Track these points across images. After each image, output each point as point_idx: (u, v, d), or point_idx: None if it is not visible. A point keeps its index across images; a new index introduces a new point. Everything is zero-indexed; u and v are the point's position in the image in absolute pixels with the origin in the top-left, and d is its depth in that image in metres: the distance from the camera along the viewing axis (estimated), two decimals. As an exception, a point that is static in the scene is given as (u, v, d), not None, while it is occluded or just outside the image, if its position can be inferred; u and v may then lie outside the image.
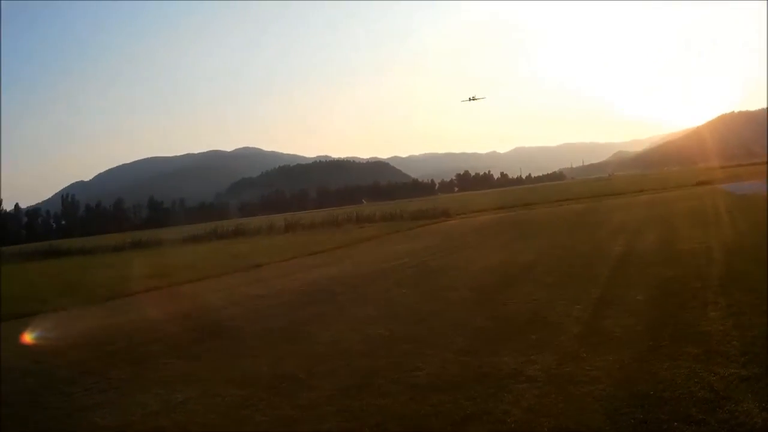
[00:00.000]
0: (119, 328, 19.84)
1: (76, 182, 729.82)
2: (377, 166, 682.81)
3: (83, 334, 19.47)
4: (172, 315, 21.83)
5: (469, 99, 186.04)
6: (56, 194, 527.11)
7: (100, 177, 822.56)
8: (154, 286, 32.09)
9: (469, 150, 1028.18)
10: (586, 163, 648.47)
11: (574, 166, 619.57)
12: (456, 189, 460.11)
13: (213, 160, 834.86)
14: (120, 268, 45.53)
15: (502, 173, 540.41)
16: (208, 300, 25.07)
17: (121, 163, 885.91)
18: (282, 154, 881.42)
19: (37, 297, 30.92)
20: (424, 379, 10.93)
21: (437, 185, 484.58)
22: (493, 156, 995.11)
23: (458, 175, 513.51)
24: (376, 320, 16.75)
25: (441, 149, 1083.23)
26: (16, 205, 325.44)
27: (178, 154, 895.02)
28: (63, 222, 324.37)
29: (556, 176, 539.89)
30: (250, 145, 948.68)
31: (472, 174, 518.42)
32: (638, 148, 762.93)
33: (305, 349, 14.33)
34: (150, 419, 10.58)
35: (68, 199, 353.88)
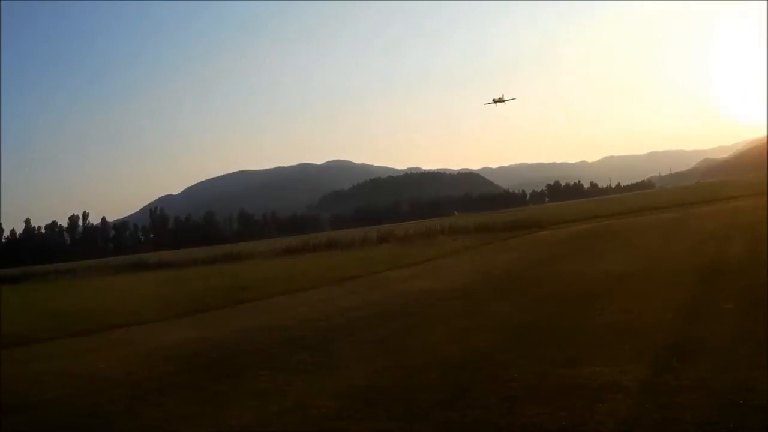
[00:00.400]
0: (212, 341, 19.99)
1: (165, 196, 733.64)
2: (468, 177, 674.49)
3: (175, 346, 19.64)
4: (266, 327, 21.96)
5: (494, 101, 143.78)
6: (144, 208, 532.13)
7: (189, 190, 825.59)
8: (248, 298, 32.30)
9: (558, 160, 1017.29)
10: (673, 171, 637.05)
11: (662, 174, 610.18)
12: (547, 199, 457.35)
13: (303, 173, 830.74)
14: (212, 281, 46.07)
15: (592, 183, 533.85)
16: (302, 312, 25.12)
17: (210, 177, 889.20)
18: (372, 166, 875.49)
19: (127, 309, 31.37)
20: (520, 390, 10.95)
21: (528, 196, 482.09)
22: (582, 165, 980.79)
23: (549, 186, 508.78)
24: (471, 331, 16.79)
25: (531, 159, 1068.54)
26: (103, 219, 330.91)
27: (268, 167, 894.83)
28: (151, 235, 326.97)
29: (645, 185, 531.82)
30: (340, 158, 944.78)
31: (563, 184, 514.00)
32: (724, 154, 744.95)
33: (401, 360, 14.33)
34: (245, 430, 10.69)
35: (156, 212, 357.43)
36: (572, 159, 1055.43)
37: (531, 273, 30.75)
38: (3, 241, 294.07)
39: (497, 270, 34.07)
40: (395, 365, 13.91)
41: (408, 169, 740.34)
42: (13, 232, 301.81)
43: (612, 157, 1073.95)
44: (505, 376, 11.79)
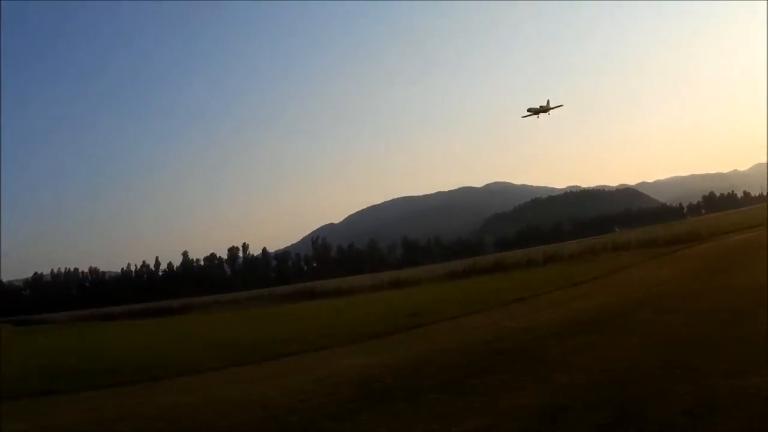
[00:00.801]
0: (386, 366, 20.24)
1: (326, 225, 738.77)
2: (626, 192, 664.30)
3: (349, 372, 20.01)
4: (440, 351, 22.21)
5: (533, 112, 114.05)
6: (305, 237, 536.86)
7: (350, 219, 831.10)
8: (419, 323, 32.71)
9: (711, 170, 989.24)
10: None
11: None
12: (703, 211, 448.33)
13: (464, 197, 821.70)
14: (381, 307, 46.93)
15: (744, 192, 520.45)
16: (474, 335, 25.36)
17: (370, 204, 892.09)
18: (532, 186, 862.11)
19: (296, 337, 32.12)
20: (695, 403, 11.07)
21: (685, 208, 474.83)
22: (735, 175, 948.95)
23: (704, 197, 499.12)
24: (644, 347, 16.96)
25: (685, 171, 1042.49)
26: (264, 249, 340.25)
27: (429, 192, 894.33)
28: (314, 264, 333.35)
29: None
30: (500, 180, 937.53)
31: (717, 194, 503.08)
32: None
33: (577, 379, 14.50)
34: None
35: (318, 241, 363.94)
36: (724, 168, 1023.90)
37: (696, 286, 30.81)
38: (160, 273, 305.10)
39: (663, 285, 34.03)
40: (572, 384, 14.08)
41: (567, 187, 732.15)
42: (170, 264, 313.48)
43: (760, 164, 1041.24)
44: (680, 390, 11.91)
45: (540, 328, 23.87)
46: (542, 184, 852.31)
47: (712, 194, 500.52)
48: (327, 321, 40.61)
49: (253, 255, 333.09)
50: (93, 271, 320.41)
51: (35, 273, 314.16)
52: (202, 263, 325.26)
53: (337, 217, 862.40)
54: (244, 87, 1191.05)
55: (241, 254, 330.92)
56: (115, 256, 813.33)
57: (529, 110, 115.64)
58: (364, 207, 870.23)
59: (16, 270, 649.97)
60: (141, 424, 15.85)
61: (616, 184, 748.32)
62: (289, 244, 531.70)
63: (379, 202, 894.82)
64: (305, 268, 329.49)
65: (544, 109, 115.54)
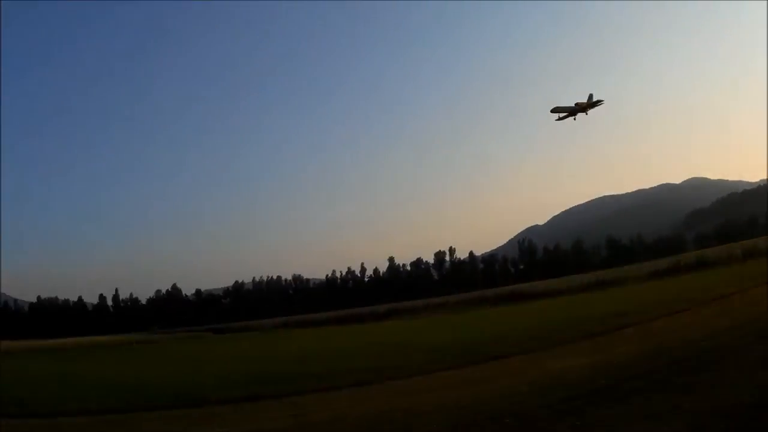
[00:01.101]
0: (598, 367, 20.54)
1: (531, 226, 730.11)
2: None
3: (561, 374, 20.41)
4: (650, 351, 22.43)
5: (567, 113, 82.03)
6: (511, 239, 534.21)
7: (554, 219, 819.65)
8: (628, 323, 33.00)
9: None
10: None
11: None
12: None
13: (664, 194, 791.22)
14: (589, 308, 47.75)
15: None
16: (683, 334, 25.47)
17: (574, 205, 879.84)
18: (728, 181, 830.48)
19: (508, 339, 33.08)
20: None
21: None
22: None
23: None
24: None
25: None
26: (471, 253, 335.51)
27: (630, 190, 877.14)
28: (521, 266, 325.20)
29: None
30: (698, 175, 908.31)
31: None
32: None
33: None
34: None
35: (524, 243, 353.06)
36: None
37: None
38: (366, 279, 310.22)
39: None
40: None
41: (760, 180, 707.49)
42: (376, 270, 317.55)
43: None
44: None
45: (747, 325, 23.69)
46: (737, 178, 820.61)
47: None
48: (536, 323, 40.83)
49: (459, 259, 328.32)
50: (296, 279, 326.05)
51: (236, 282, 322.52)
52: (408, 268, 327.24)
53: (542, 219, 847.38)
54: (444, 85, 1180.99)
55: (447, 258, 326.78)
56: (319, 264, 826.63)
57: (556, 110, 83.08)
58: (568, 207, 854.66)
59: (215, 279, 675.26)
60: (349, 428, 16.21)
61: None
62: (495, 247, 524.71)
63: (582, 202, 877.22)
64: (512, 270, 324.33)
65: (582, 108, 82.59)
